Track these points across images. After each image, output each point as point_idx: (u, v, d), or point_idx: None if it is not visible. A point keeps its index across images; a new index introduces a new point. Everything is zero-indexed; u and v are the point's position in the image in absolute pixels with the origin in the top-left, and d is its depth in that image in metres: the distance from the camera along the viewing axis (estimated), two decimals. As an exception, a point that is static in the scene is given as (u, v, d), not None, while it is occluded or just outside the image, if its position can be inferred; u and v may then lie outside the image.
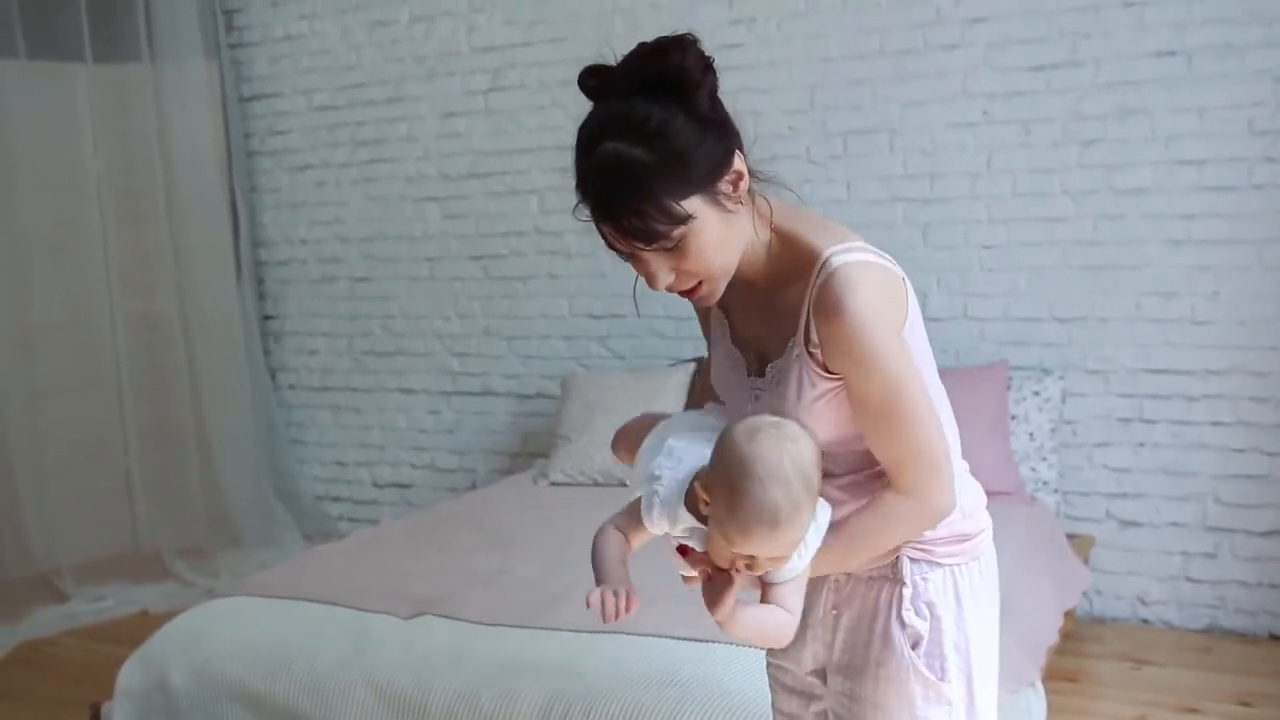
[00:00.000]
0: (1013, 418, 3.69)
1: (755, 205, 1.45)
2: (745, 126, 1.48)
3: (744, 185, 1.41)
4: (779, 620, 1.42)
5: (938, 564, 1.52)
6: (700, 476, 1.39)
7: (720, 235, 1.39)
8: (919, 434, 1.42)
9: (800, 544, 1.37)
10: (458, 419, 4.88)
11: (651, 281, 1.41)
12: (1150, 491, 3.75)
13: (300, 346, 5.21)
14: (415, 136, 4.78)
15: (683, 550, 1.43)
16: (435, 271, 4.83)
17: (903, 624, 1.51)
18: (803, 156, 4.02)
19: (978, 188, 3.86)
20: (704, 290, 1.44)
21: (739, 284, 1.48)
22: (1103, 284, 3.74)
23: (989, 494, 3.67)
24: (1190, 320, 3.65)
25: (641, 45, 1.39)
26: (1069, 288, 3.78)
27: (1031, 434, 3.69)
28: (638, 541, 1.49)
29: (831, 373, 1.43)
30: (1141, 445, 3.75)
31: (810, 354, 1.42)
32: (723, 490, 1.33)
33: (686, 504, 1.40)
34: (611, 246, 1.41)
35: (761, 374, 1.51)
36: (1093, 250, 3.74)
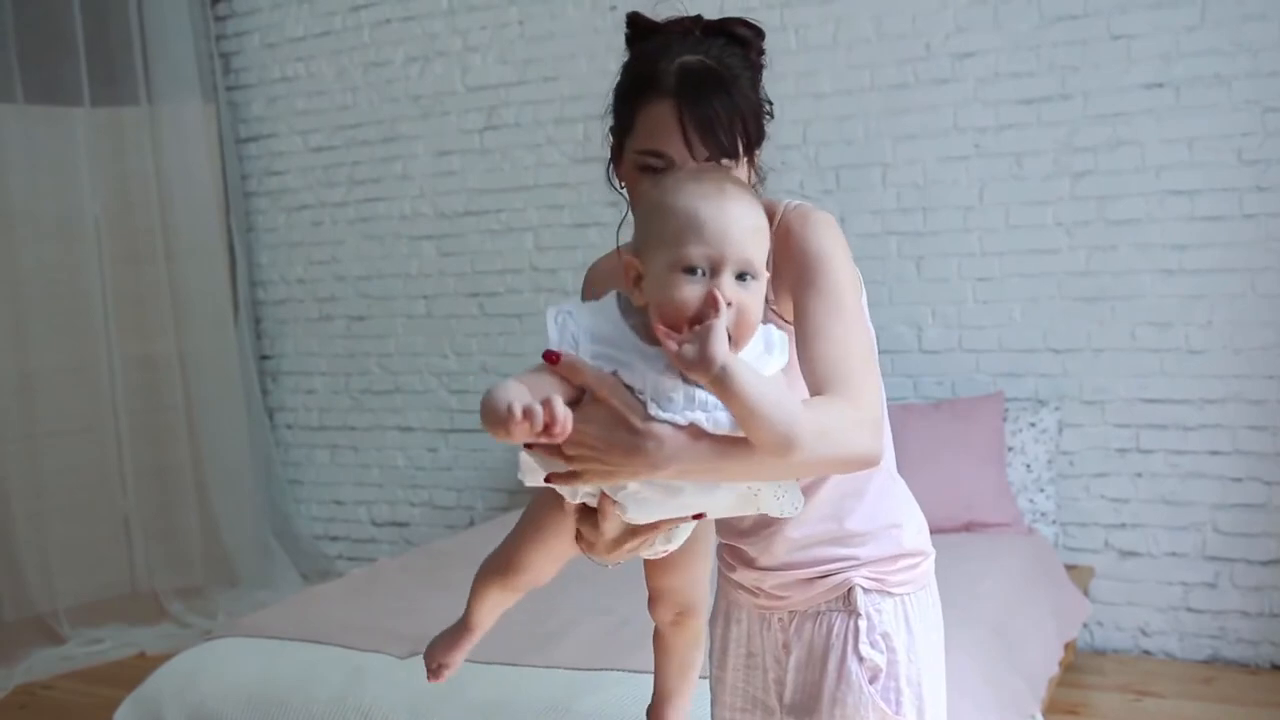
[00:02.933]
0: (1009, 449, 3.69)
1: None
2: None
3: (760, 175, 1.44)
4: (779, 385, 1.18)
5: (890, 594, 1.49)
6: (626, 253, 1.23)
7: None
8: (855, 341, 1.32)
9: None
10: (455, 457, 4.87)
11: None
12: (1149, 521, 3.74)
13: (298, 386, 5.21)
14: (411, 175, 4.81)
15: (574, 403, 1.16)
16: (432, 309, 4.84)
17: (860, 658, 1.46)
18: (796, 191, 4.04)
19: (970, 220, 3.88)
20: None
21: None
22: (1097, 314, 3.75)
23: (986, 525, 3.70)
24: (1185, 350, 3.65)
25: (702, 16, 1.39)
26: (1063, 319, 3.79)
27: (1028, 465, 3.69)
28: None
29: (784, 319, 1.38)
30: (1139, 475, 3.74)
31: (770, 309, 1.38)
32: (663, 222, 1.17)
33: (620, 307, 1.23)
34: (654, 155, 1.32)
35: None
36: (1086, 281, 3.75)
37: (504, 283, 4.67)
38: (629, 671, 2.39)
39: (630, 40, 1.43)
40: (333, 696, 2.49)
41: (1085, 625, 3.73)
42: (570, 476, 1.19)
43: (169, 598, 4.73)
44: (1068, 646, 3.35)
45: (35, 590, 4.49)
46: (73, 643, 4.38)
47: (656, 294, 1.17)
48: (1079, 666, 3.65)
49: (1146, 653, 3.78)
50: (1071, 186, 3.74)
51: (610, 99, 1.43)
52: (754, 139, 1.36)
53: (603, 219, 4.40)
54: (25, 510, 4.50)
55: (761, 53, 1.40)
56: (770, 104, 1.42)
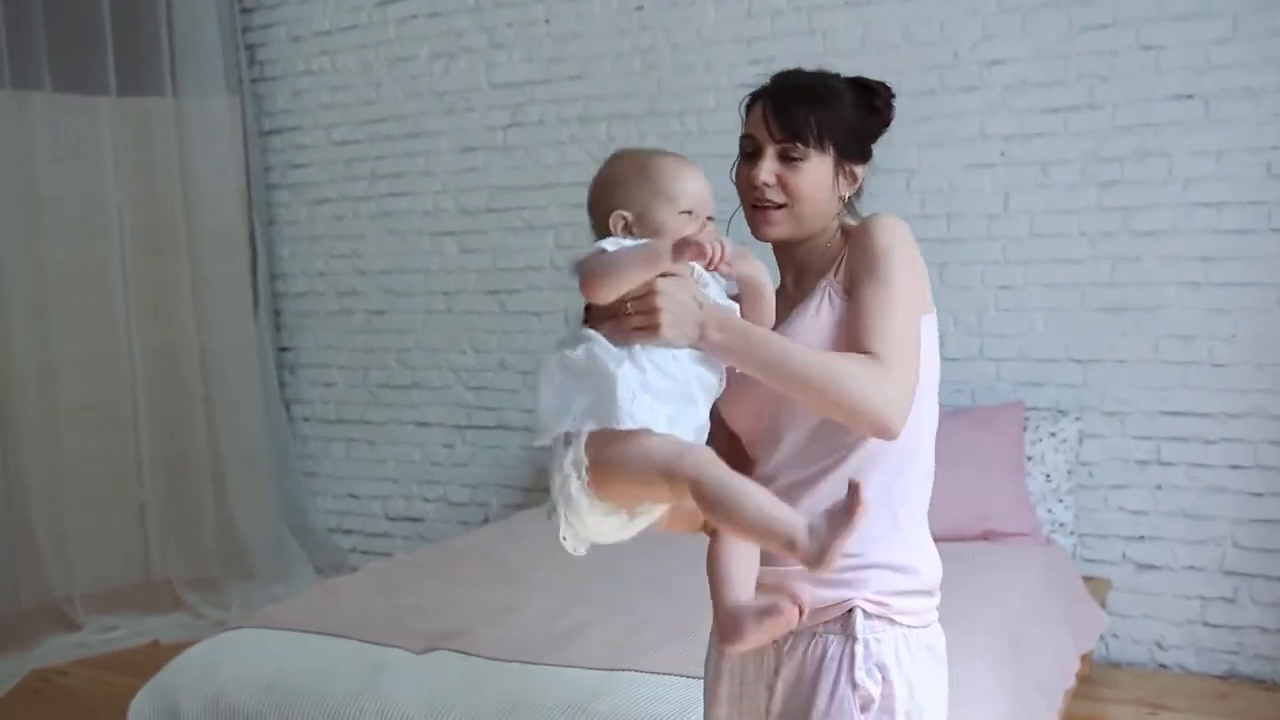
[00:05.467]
0: (1029, 459, 3.67)
1: (844, 209, 1.66)
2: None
3: (854, 181, 1.64)
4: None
5: (892, 621, 1.47)
6: (611, 213, 1.51)
7: (822, 189, 1.59)
8: (897, 321, 1.46)
9: None
10: (471, 453, 4.88)
11: (755, 175, 1.57)
12: (1168, 535, 3.72)
13: (316, 379, 5.22)
14: (433, 171, 4.82)
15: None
16: (452, 305, 4.85)
17: (854, 685, 1.43)
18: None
19: (995, 229, 3.87)
20: (780, 216, 1.58)
21: (796, 274, 1.64)
22: (1120, 326, 3.73)
23: (1004, 534, 3.69)
24: (1208, 363, 3.63)
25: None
26: (1086, 329, 3.78)
27: (1048, 475, 3.68)
28: None
29: (849, 292, 1.52)
30: (1159, 488, 3.72)
31: (837, 280, 1.54)
32: (640, 180, 1.48)
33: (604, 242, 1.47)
34: (747, 139, 1.60)
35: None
36: (1110, 292, 3.74)
37: (524, 280, 4.67)
38: (648, 673, 2.39)
39: None
40: (351, 691, 2.49)
41: (1101, 637, 3.71)
42: (639, 332, 1.40)
43: (184, 587, 4.74)
44: (1084, 659, 3.34)
45: (52, 576, 4.50)
46: (87, 630, 4.39)
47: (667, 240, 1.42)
48: (1095, 679, 3.63)
49: (1162, 666, 3.76)
50: (1098, 196, 3.72)
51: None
52: (828, 136, 1.57)
53: (625, 219, 4.39)
54: (44, 497, 4.52)
55: (887, 105, 1.66)
56: (869, 146, 1.66)
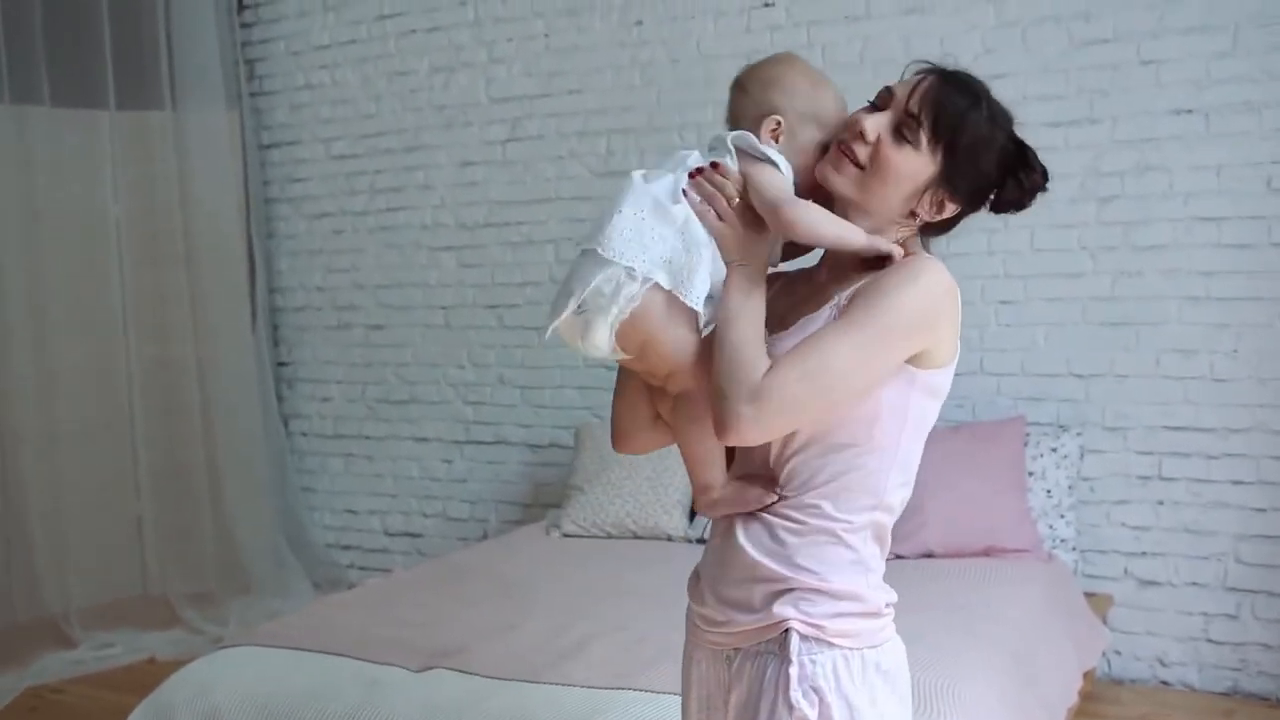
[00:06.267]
0: (1030, 474, 3.66)
1: (913, 230, 1.54)
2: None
3: (940, 213, 1.51)
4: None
5: (829, 644, 1.44)
6: (771, 110, 1.49)
7: (903, 184, 1.48)
8: (825, 356, 1.38)
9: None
10: (470, 468, 4.86)
11: (860, 121, 1.48)
12: (1170, 550, 3.71)
13: (314, 393, 5.21)
14: (433, 185, 4.81)
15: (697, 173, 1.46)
16: (450, 320, 4.83)
17: (790, 707, 1.43)
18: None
19: (994, 243, 3.86)
20: (850, 171, 1.48)
21: (830, 271, 1.55)
22: (1121, 340, 3.72)
23: (1006, 551, 3.67)
24: (1210, 378, 3.62)
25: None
26: (1087, 344, 3.76)
27: (1049, 491, 3.66)
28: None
29: None
30: (1161, 503, 3.71)
31: (846, 301, 1.47)
32: (809, 96, 1.49)
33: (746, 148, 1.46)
34: (886, 90, 1.52)
35: (783, 329, 1.51)
36: (1111, 306, 3.73)
37: (523, 295, 4.66)
38: (646, 691, 2.37)
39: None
40: (347, 709, 2.47)
41: (1103, 654, 3.69)
42: (717, 223, 1.45)
43: (181, 603, 4.71)
44: (1086, 676, 3.32)
45: (48, 590, 4.48)
46: (84, 646, 4.36)
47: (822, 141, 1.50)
48: (1097, 696, 3.61)
49: (1165, 683, 3.74)
50: (1098, 211, 3.72)
51: None
52: (947, 145, 1.46)
53: (624, 233, 4.38)
54: (41, 509, 4.50)
55: (1030, 191, 1.53)
56: (979, 199, 1.53)
